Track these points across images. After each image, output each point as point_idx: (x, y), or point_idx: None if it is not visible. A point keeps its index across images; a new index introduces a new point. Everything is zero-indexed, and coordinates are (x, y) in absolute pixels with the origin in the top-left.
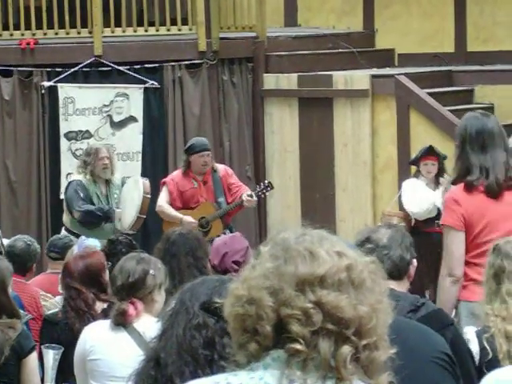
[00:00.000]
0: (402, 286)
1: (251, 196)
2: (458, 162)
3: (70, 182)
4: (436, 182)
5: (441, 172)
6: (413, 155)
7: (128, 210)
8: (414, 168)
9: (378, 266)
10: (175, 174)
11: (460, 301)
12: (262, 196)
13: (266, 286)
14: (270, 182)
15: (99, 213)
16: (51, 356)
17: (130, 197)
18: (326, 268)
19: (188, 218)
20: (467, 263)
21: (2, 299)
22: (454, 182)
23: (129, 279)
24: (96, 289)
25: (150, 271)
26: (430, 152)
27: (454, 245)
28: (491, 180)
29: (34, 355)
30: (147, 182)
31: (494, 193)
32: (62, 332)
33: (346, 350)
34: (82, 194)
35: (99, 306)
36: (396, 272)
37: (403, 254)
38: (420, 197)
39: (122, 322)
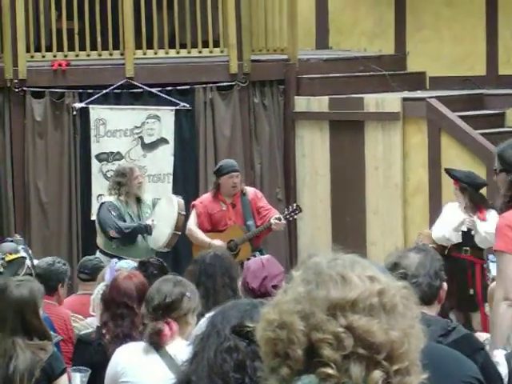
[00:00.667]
0: (432, 310)
1: (279, 219)
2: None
3: (101, 204)
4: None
5: (475, 197)
6: (444, 179)
7: (162, 228)
8: (445, 191)
9: (410, 291)
10: (205, 197)
11: None
12: (291, 219)
13: (298, 310)
14: (298, 205)
15: (137, 227)
16: (78, 379)
17: (163, 215)
18: (358, 292)
19: (217, 242)
20: None
21: (34, 321)
22: (504, 208)
23: (166, 299)
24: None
25: (186, 293)
26: (453, 176)
27: (509, 269)
28: None
29: (64, 378)
30: (181, 200)
31: None
32: (94, 353)
33: (378, 374)
34: (114, 214)
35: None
36: (426, 299)
37: (432, 281)
38: (443, 222)
39: (156, 341)
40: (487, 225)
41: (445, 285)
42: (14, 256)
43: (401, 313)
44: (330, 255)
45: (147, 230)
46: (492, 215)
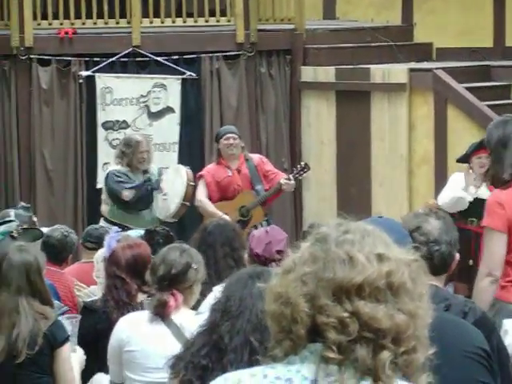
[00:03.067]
0: (442, 281)
1: (289, 179)
2: (495, 166)
3: (108, 173)
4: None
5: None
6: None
7: (171, 198)
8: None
9: (420, 264)
10: (210, 166)
11: (499, 301)
12: (300, 178)
13: (303, 292)
14: (306, 164)
15: (148, 185)
16: (67, 323)
17: (171, 185)
18: (365, 275)
19: (227, 218)
20: (508, 263)
21: (39, 284)
22: (495, 185)
23: (171, 271)
24: (140, 281)
25: (192, 265)
26: (483, 145)
27: (497, 246)
28: None
29: (67, 346)
30: (190, 170)
31: None
32: (99, 320)
33: (385, 355)
34: (122, 179)
35: (140, 298)
36: (442, 269)
37: (452, 250)
38: (450, 190)
39: (161, 313)
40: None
41: (457, 256)
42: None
43: (409, 291)
44: (341, 226)
45: (158, 184)
46: None
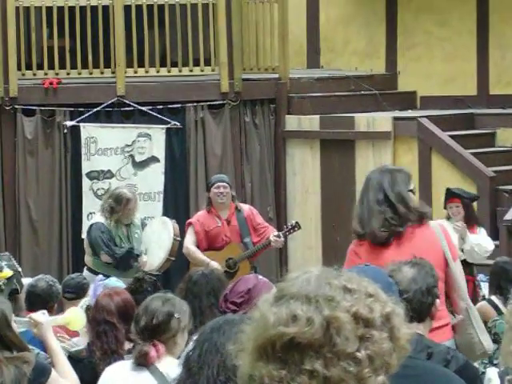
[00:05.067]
0: (425, 327)
1: (279, 236)
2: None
3: (91, 225)
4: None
5: (470, 213)
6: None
7: (156, 252)
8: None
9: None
10: (200, 214)
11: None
12: (289, 236)
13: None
14: (297, 222)
15: (128, 251)
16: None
17: (157, 238)
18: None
19: (215, 264)
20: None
21: (9, 335)
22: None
23: (153, 321)
24: (128, 327)
25: (175, 314)
26: (451, 195)
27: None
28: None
29: (52, 377)
30: (176, 224)
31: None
32: (84, 370)
33: None
34: (105, 237)
35: (126, 346)
36: (416, 315)
37: (422, 297)
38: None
39: (143, 363)
40: (476, 238)
41: (438, 302)
42: (5, 273)
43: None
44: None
45: (137, 257)
46: (482, 233)
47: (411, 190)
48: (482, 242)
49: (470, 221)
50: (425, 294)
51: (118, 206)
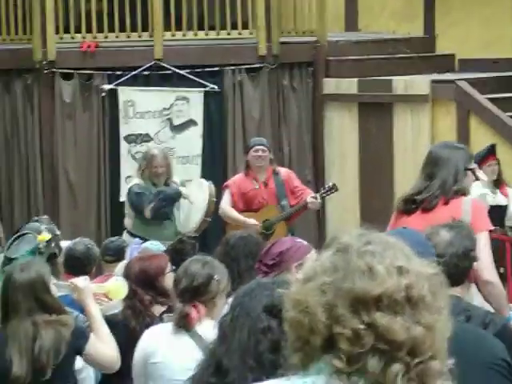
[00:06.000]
0: (463, 290)
1: (316, 198)
2: None
3: (130, 188)
4: (495, 184)
5: (500, 173)
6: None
7: (193, 212)
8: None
9: (441, 278)
10: (237, 177)
11: None
12: (327, 198)
13: (322, 301)
14: (334, 184)
15: (168, 191)
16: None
17: (194, 199)
18: (384, 288)
19: (252, 221)
20: None
21: (47, 298)
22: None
23: (193, 283)
24: (153, 292)
25: (214, 276)
26: (493, 151)
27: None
28: None
29: (91, 343)
30: (212, 185)
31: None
32: (120, 333)
33: (396, 368)
34: (145, 193)
35: (157, 309)
36: (453, 279)
37: (458, 261)
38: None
39: (184, 325)
40: None
41: (475, 265)
42: (44, 237)
43: (428, 305)
44: (363, 237)
45: (178, 196)
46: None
47: (471, 169)
48: None
49: (501, 180)
50: (461, 257)
51: (144, 161)
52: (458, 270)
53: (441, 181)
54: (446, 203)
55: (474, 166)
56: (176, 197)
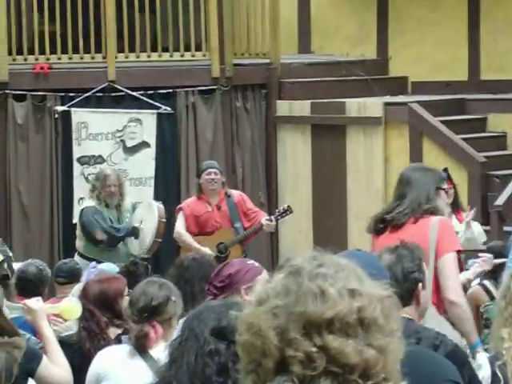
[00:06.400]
0: (413, 311)
1: (270, 220)
2: None
3: (82, 209)
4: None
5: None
6: None
7: (144, 234)
8: None
9: (393, 300)
10: (190, 200)
11: None
12: (281, 220)
13: (274, 325)
14: (289, 206)
15: (125, 231)
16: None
17: (144, 220)
18: (336, 311)
19: (206, 250)
20: None
21: (0, 321)
22: None
23: (152, 302)
24: (110, 314)
25: (171, 297)
26: (448, 176)
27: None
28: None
29: (43, 364)
30: (161, 205)
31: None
32: (74, 355)
33: None
34: (97, 217)
35: (113, 331)
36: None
37: (398, 284)
38: None
39: (142, 345)
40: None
41: (420, 286)
42: None
43: (380, 327)
44: (315, 260)
45: (135, 232)
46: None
47: (443, 189)
48: (481, 230)
49: (457, 205)
50: (400, 280)
51: (97, 182)
52: (402, 291)
53: (411, 200)
54: (416, 222)
55: (445, 186)
56: (131, 234)
